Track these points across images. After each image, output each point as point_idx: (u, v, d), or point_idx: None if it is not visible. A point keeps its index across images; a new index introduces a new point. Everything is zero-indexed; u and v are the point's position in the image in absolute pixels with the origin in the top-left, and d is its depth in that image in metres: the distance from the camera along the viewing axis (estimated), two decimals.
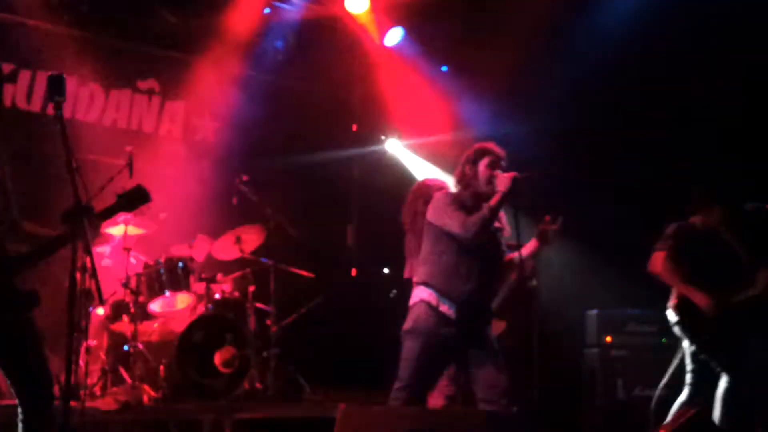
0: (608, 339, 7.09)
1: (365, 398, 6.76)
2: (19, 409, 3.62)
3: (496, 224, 4.84)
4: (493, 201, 4.67)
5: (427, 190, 5.50)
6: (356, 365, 7.82)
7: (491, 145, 4.92)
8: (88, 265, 3.45)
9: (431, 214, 4.87)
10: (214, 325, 6.57)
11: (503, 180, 4.68)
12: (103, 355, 6.43)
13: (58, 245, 3.64)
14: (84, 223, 3.42)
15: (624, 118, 7.56)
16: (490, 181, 4.77)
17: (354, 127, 9.06)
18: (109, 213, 3.73)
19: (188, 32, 7.93)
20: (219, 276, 7.01)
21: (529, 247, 4.94)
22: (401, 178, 8.55)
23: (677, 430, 5.49)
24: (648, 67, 7.40)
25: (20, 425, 3.61)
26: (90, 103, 7.65)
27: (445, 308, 4.72)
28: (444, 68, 8.78)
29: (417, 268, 4.94)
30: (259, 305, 7.08)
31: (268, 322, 7.08)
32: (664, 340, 7.09)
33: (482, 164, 4.84)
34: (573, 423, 6.91)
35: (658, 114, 7.49)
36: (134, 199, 3.77)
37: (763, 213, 6.06)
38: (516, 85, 7.79)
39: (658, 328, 7.07)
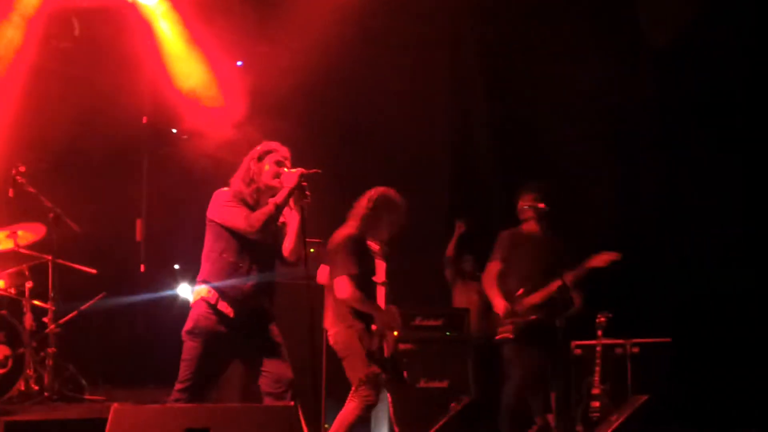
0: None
1: (149, 398, 6.62)
2: None
3: (281, 221, 4.89)
4: (279, 197, 4.72)
5: None
6: (142, 364, 7.67)
7: (277, 144, 4.98)
8: None
9: (212, 212, 4.85)
10: None
11: (290, 176, 4.74)
12: None
13: None
14: None
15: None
16: (276, 176, 4.82)
17: (144, 119, 8.83)
18: None
19: None
20: None
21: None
22: (193, 172, 8.44)
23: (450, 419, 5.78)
24: None
25: None
26: None
27: (224, 306, 4.73)
28: (239, 63, 8.74)
29: (201, 267, 4.91)
30: (36, 302, 6.78)
31: (46, 319, 6.78)
32: (448, 333, 7.43)
33: (267, 161, 4.89)
34: None
35: None
36: None
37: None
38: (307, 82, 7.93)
39: (443, 323, 7.41)
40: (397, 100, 8.52)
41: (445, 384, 7.26)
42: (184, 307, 8.24)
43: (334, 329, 5.50)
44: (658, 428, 6.60)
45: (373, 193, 5.63)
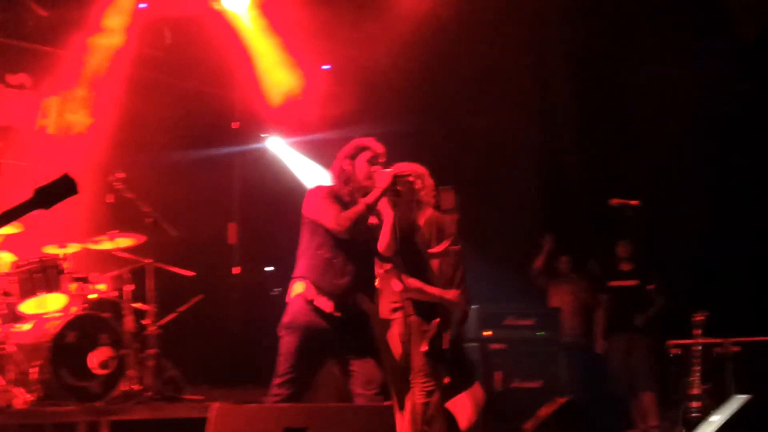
0: (487, 333, 7.28)
1: (246, 398, 6.73)
2: None
3: (373, 220, 4.89)
4: (371, 197, 4.70)
5: None
6: (238, 364, 7.79)
7: (371, 141, 4.95)
8: None
9: (306, 208, 4.88)
10: (89, 326, 6.41)
11: (383, 176, 4.71)
12: None
13: None
14: None
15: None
16: (369, 176, 4.80)
17: (235, 125, 8.98)
18: (23, 210, 3.07)
19: (61, 26, 7.73)
20: (94, 275, 6.85)
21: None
22: (282, 175, 8.57)
23: (546, 419, 5.70)
24: None
25: None
26: None
27: (321, 302, 4.75)
28: (325, 67, 8.83)
29: (296, 263, 4.95)
30: (136, 305, 6.96)
31: (146, 321, 6.96)
32: (542, 332, 7.37)
33: (361, 160, 4.87)
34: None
35: None
36: (59, 193, 3.07)
37: None
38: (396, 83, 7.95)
39: (534, 322, 7.35)
40: (486, 99, 8.47)
41: (538, 384, 7.20)
42: (280, 306, 8.41)
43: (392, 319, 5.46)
44: (762, 429, 6.40)
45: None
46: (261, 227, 8.89)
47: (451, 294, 4.92)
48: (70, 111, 8.06)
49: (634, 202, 6.45)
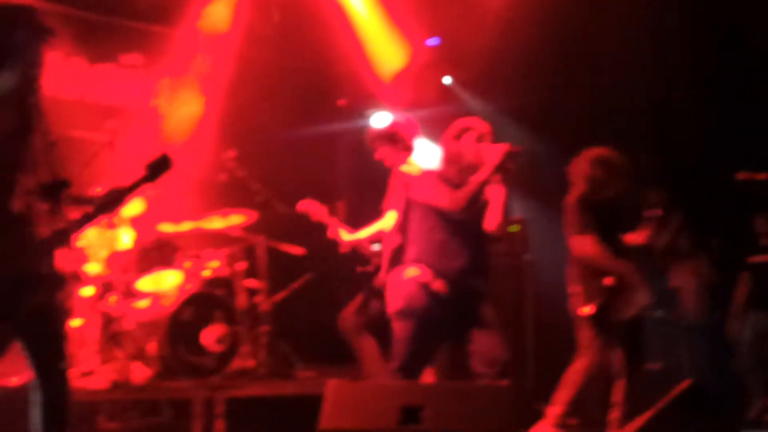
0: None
1: (357, 375, 6.72)
2: (37, 391, 3.53)
3: (485, 199, 4.79)
4: (482, 174, 4.61)
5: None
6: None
7: (475, 120, 4.87)
8: (72, 242, 3.37)
9: (415, 193, 4.83)
10: (203, 303, 6.52)
11: (493, 152, 4.62)
12: (92, 335, 6.36)
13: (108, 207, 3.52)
14: (62, 197, 3.34)
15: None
16: (477, 155, 4.72)
17: (341, 102, 8.94)
18: (136, 185, 3.51)
19: (172, 5, 7.82)
20: (208, 253, 6.94)
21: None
22: None
23: (669, 403, 5.49)
24: None
25: (38, 407, 3.52)
26: (73, 79, 7.53)
27: (437, 286, 4.68)
28: (432, 41, 8.69)
29: (407, 248, 4.89)
30: (249, 282, 7.02)
31: (258, 299, 7.01)
32: (661, 312, 7.12)
33: (467, 139, 4.79)
34: None
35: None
36: (159, 169, 3.51)
37: None
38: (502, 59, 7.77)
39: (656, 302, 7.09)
40: (599, 71, 8.17)
41: (658, 366, 6.96)
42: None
43: (570, 290, 5.38)
44: None
45: (593, 154, 5.42)
46: (368, 205, 8.83)
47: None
48: (182, 90, 8.16)
49: (762, 176, 6.12)
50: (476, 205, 4.71)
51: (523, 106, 7.53)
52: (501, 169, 4.61)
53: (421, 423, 3.82)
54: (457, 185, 4.72)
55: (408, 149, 5.67)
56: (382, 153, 5.70)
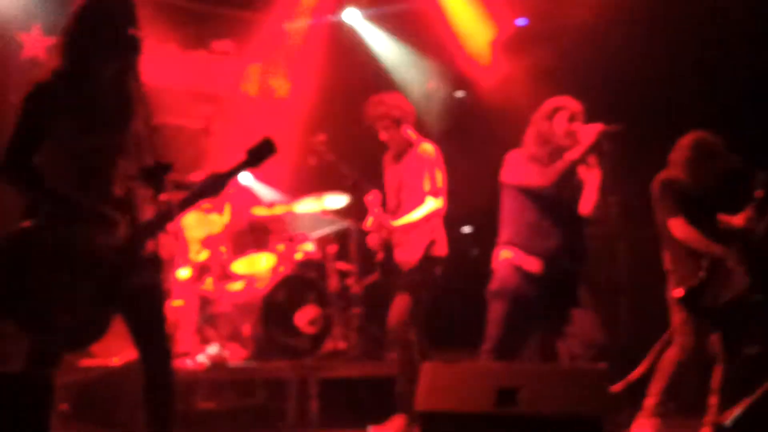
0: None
1: (448, 357, 6.72)
2: (141, 370, 3.61)
3: (580, 180, 4.72)
4: (576, 153, 4.55)
5: None
6: (440, 326, 7.76)
7: (567, 99, 4.79)
8: (172, 226, 3.44)
9: (506, 174, 4.79)
10: (296, 285, 6.60)
11: (588, 132, 4.55)
12: (189, 317, 6.51)
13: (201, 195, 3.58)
14: (164, 181, 3.42)
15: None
16: (569, 135, 4.65)
17: (429, 84, 8.89)
18: (236, 170, 3.57)
19: None
20: (300, 236, 7.02)
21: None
22: (481, 136, 8.43)
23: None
24: None
25: (142, 386, 3.60)
26: (166, 66, 7.69)
27: (530, 267, 4.65)
28: (521, 20, 8.57)
29: (500, 230, 4.88)
30: (340, 265, 7.07)
31: (350, 281, 7.06)
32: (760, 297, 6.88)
33: (559, 119, 4.72)
34: None
35: None
36: (262, 154, 3.56)
37: None
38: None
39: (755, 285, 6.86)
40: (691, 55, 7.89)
41: (756, 350, 6.75)
42: (478, 268, 8.31)
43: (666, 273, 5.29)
44: None
45: (692, 138, 5.28)
46: (458, 187, 8.78)
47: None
48: (273, 75, 8.25)
49: None
50: (570, 184, 4.65)
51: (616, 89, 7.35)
52: (595, 149, 4.54)
53: (517, 405, 3.79)
54: (547, 166, 4.67)
55: (410, 131, 5.51)
56: (389, 135, 5.52)
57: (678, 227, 5.08)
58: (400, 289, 5.37)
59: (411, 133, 5.51)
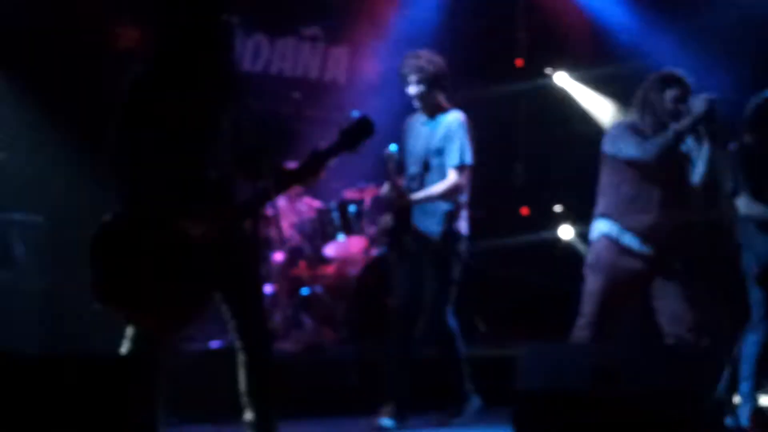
0: None
1: (538, 338, 6.66)
2: (241, 353, 3.65)
3: (683, 150, 4.60)
4: (683, 124, 4.42)
5: None
6: (528, 306, 7.73)
7: (682, 75, 4.62)
8: (267, 209, 3.47)
9: (606, 144, 4.70)
10: (386, 268, 6.59)
11: (697, 103, 4.40)
12: (282, 300, 6.60)
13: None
14: (259, 165, 3.46)
15: None
16: (675, 115, 4.50)
17: (518, 62, 8.79)
18: (332, 153, 3.55)
19: None
20: (389, 219, 7.00)
21: None
22: (570, 112, 8.31)
23: None
24: None
25: (242, 368, 3.65)
26: (255, 52, 7.77)
27: (626, 240, 4.56)
28: None
29: (598, 201, 4.79)
30: None
31: None
32: None
33: (669, 95, 4.58)
34: None
35: None
36: (359, 134, 3.52)
37: None
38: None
39: None
40: None
41: None
42: (567, 249, 8.21)
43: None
44: None
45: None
46: (547, 166, 8.68)
47: None
48: (360, 60, 8.26)
49: None
50: (674, 157, 4.53)
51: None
52: (704, 120, 4.40)
53: (616, 384, 3.73)
54: (649, 138, 4.56)
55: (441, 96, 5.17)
56: (419, 92, 5.07)
57: (750, 201, 4.87)
58: (424, 267, 5.10)
59: (442, 98, 5.17)
